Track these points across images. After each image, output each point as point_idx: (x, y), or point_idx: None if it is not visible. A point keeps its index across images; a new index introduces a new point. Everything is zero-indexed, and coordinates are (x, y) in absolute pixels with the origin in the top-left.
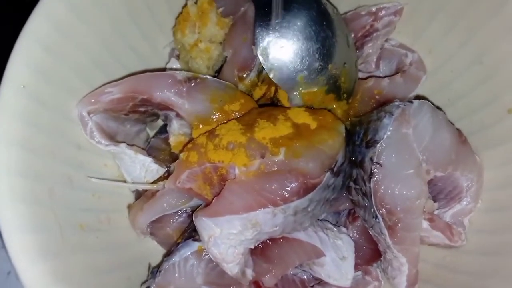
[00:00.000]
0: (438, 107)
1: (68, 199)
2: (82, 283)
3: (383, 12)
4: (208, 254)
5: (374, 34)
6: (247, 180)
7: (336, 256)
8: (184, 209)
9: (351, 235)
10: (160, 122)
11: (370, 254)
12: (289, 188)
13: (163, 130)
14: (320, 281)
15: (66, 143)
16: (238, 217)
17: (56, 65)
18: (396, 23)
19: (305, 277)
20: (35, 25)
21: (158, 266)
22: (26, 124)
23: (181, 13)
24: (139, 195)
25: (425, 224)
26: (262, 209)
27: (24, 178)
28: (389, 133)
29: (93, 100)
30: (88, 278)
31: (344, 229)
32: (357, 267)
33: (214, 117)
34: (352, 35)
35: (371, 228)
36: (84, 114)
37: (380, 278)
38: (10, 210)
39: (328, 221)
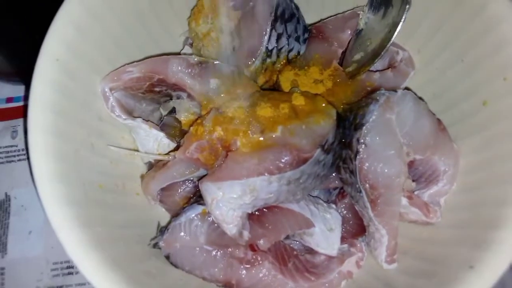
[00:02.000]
0: (421, 98)
1: (90, 162)
2: (100, 230)
3: None
4: (210, 216)
5: None
6: (247, 151)
7: (324, 228)
8: (191, 178)
9: (339, 211)
10: (172, 104)
11: (355, 229)
12: (283, 160)
13: (175, 110)
14: (310, 251)
15: (90, 114)
16: (238, 183)
17: (85, 44)
18: None
19: (296, 247)
20: (70, 8)
21: (166, 225)
22: (58, 93)
23: (196, 5)
24: (150, 167)
25: (404, 201)
26: (259, 176)
27: (55, 137)
28: (374, 117)
29: (115, 78)
30: (105, 228)
31: (333, 205)
32: (343, 240)
33: (221, 97)
34: (349, 32)
35: (356, 203)
36: (106, 90)
37: (364, 250)
38: (44, 162)
39: (320, 198)
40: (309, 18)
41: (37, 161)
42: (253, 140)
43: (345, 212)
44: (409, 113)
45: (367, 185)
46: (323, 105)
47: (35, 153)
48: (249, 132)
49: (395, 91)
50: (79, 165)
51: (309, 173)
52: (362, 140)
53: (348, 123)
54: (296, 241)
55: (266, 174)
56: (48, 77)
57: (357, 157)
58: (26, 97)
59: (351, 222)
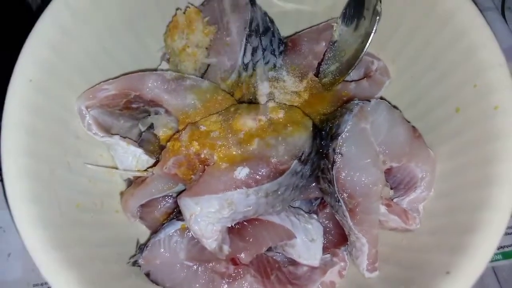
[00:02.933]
0: (395, 107)
1: (67, 181)
2: (76, 250)
3: None
4: (190, 231)
5: None
6: (224, 165)
7: (306, 238)
8: (170, 194)
9: (320, 221)
10: (150, 120)
11: (337, 238)
12: (260, 173)
13: (154, 126)
14: (292, 262)
15: (66, 133)
16: (216, 197)
17: (59, 63)
18: None
19: (279, 259)
20: (43, 27)
21: (146, 243)
22: (32, 113)
23: (171, 21)
24: (130, 183)
25: (383, 209)
26: (237, 189)
27: (29, 158)
28: (349, 127)
29: (91, 96)
30: (82, 248)
31: (314, 216)
32: (326, 250)
33: (198, 112)
34: (324, 44)
35: (336, 213)
36: (82, 108)
37: (346, 259)
38: (17, 184)
39: (301, 208)
40: (285, 31)
41: (10, 183)
42: (229, 154)
43: (326, 222)
44: (383, 122)
45: (345, 194)
46: (300, 116)
47: (8, 175)
48: (226, 145)
49: (369, 100)
50: (54, 185)
51: (287, 184)
52: (338, 150)
53: (325, 133)
54: (279, 253)
55: (243, 187)
56: (21, 98)
57: (334, 167)
58: None
59: (333, 232)
